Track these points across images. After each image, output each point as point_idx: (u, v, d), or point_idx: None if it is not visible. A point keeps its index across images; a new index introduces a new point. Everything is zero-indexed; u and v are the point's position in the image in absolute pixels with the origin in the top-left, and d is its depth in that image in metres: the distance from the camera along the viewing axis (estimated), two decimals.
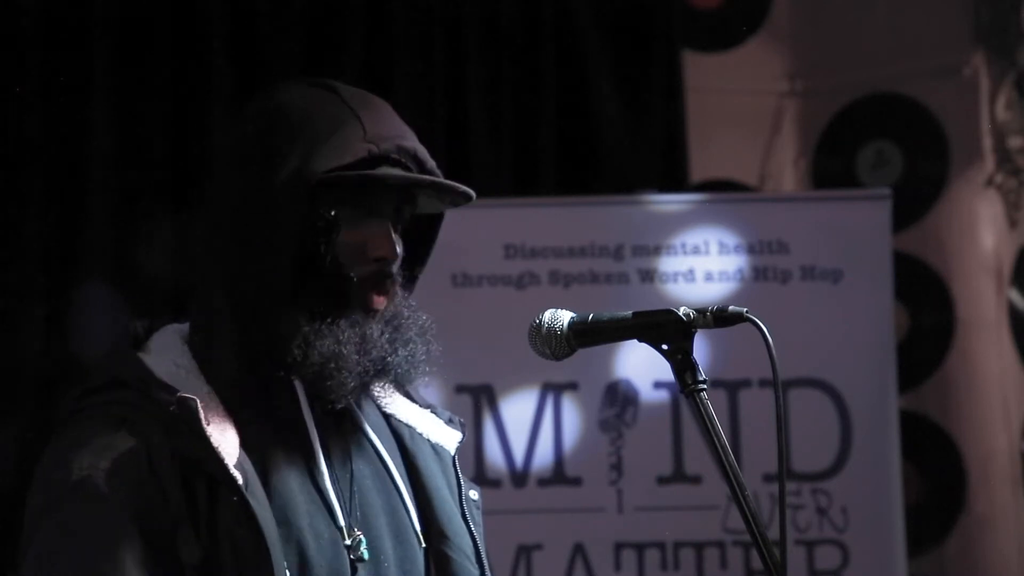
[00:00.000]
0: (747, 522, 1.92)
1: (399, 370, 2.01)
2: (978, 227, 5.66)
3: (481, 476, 4.73)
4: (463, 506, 2.12)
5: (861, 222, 4.92)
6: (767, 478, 4.68)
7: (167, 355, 1.99)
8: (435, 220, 2.12)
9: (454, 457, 2.16)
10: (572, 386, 4.82)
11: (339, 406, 2.01)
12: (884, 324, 4.90)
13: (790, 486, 4.77)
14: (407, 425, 2.13)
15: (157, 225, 4.96)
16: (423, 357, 2.03)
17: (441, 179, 2.03)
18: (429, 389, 2.17)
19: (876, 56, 5.77)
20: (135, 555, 1.86)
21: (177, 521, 1.87)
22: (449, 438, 2.17)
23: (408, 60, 5.24)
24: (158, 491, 1.88)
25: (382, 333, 1.99)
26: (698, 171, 5.68)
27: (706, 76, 5.76)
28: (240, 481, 1.88)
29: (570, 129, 5.45)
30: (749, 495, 1.93)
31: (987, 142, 5.66)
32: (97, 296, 4.85)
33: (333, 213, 1.96)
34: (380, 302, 2.00)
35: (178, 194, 4.99)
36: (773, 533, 1.91)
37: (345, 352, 1.96)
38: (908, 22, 5.72)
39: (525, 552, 4.75)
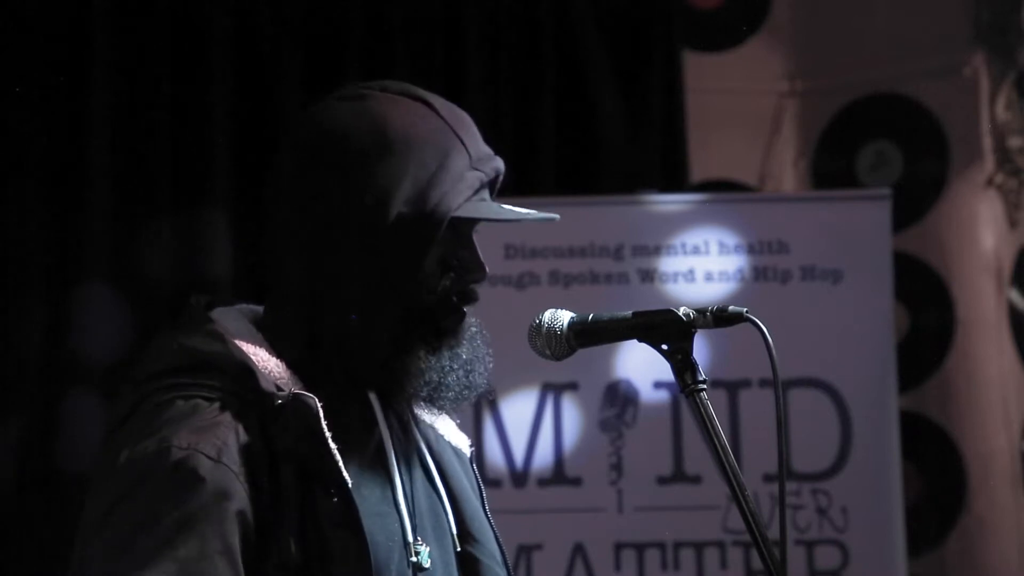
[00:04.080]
0: (747, 522, 1.92)
1: (479, 388, 2.03)
2: (978, 227, 5.66)
3: (481, 476, 4.71)
4: (485, 508, 2.13)
5: (861, 222, 4.92)
6: (767, 478, 4.68)
7: (256, 345, 1.95)
8: None
9: (471, 459, 2.18)
10: (572, 386, 4.82)
11: (406, 414, 2.05)
12: (884, 324, 4.90)
13: (790, 486, 4.77)
14: (431, 427, 2.13)
15: (157, 225, 4.96)
16: (490, 368, 2.05)
17: (550, 215, 2.07)
18: None
19: (876, 56, 5.77)
20: (228, 545, 1.83)
21: (273, 519, 1.85)
22: (463, 441, 2.18)
23: (408, 60, 5.24)
24: (255, 485, 1.85)
25: (468, 354, 2.01)
26: (698, 171, 5.67)
27: (706, 76, 5.76)
28: (351, 483, 1.87)
29: (570, 129, 5.45)
30: (749, 495, 1.93)
31: (987, 142, 5.65)
32: (97, 296, 4.86)
33: (462, 254, 2.00)
34: (464, 322, 2.02)
35: (178, 194, 5.00)
36: (773, 533, 1.91)
37: (448, 381, 1.98)
38: (908, 22, 5.72)
39: (525, 552, 4.75)
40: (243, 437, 1.87)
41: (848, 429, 4.84)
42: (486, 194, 2.02)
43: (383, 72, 5.10)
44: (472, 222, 2.02)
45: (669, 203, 5.06)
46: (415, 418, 2.10)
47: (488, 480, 4.73)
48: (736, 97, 5.86)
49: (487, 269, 2.04)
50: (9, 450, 4.77)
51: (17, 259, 4.85)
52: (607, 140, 5.48)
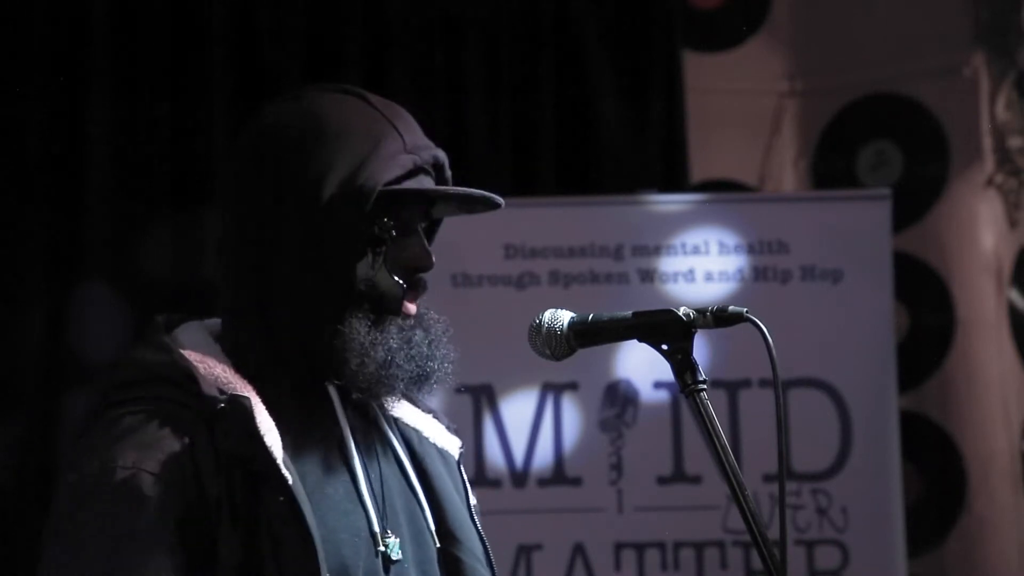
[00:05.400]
0: (747, 522, 1.92)
1: (438, 374, 2.03)
2: (978, 227, 5.66)
3: (481, 476, 4.73)
4: (470, 509, 2.13)
5: (861, 222, 4.92)
6: (767, 478, 4.69)
7: (205, 353, 1.99)
8: (435, 222, 2.14)
9: (459, 462, 2.18)
10: (572, 386, 4.82)
11: (371, 409, 2.05)
12: (884, 324, 4.90)
13: (790, 486, 4.77)
14: (414, 429, 2.14)
15: (157, 225, 4.96)
16: (452, 358, 2.04)
17: (489, 194, 2.06)
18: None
19: (876, 56, 5.77)
20: (174, 561, 1.86)
21: (219, 522, 1.88)
22: (451, 444, 2.18)
23: (408, 61, 5.24)
24: (202, 494, 1.88)
25: (423, 338, 2.01)
26: (698, 171, 5.67)
27: (706, 76, 5.76)
28: (290, 481, 1.89)
29: (570, 129, 5.44)
30: (749, 495, 1.93)
31: (987, 142, 5.65)
32: (97, 296, 4.86)
33: (394, 231, 1.99)
34: (412, 308, 2.02)
35: (178, 194, 5.00)
36: (773, 533, 1.91)
37: (397, 359, 1.98)
38: (908, 22, 5.72)
39: (525, 552, 4.75)
40: (188, 447, 1.90)
41: (848, 429, 4.84)
42: (425, 180, 2.03)
43: (382, 72, 5.10)
44: (415, 212, 2.03)
45: (669, 203, 5.06)
46: (392, 419, 2.11)
47: (488, 480, 4.74)
48: (736, 97, 5.86)
49: (432, 260, 2.04)
50: (9, 450, 4.77)
51: (17, 259, 4.84)
52: (607, 140, 5.48)
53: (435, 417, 2.18)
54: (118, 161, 4.94)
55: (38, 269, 4.86)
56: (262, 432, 1.90)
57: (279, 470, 1.89)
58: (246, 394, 1.92)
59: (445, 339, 2.04)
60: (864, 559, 4.82)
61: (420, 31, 5.29)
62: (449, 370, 2.04)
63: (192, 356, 1.96)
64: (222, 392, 1.92)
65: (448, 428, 2.19)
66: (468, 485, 2.16)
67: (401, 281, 2.00)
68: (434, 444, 2.15)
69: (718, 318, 1.97)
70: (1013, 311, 5.65)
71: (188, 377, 1.93)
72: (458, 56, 5.34)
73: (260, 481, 1.89)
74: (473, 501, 2.15)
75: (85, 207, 4.91)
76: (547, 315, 2.04)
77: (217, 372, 1.96)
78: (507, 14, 5.42)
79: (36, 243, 4.87)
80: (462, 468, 2.18)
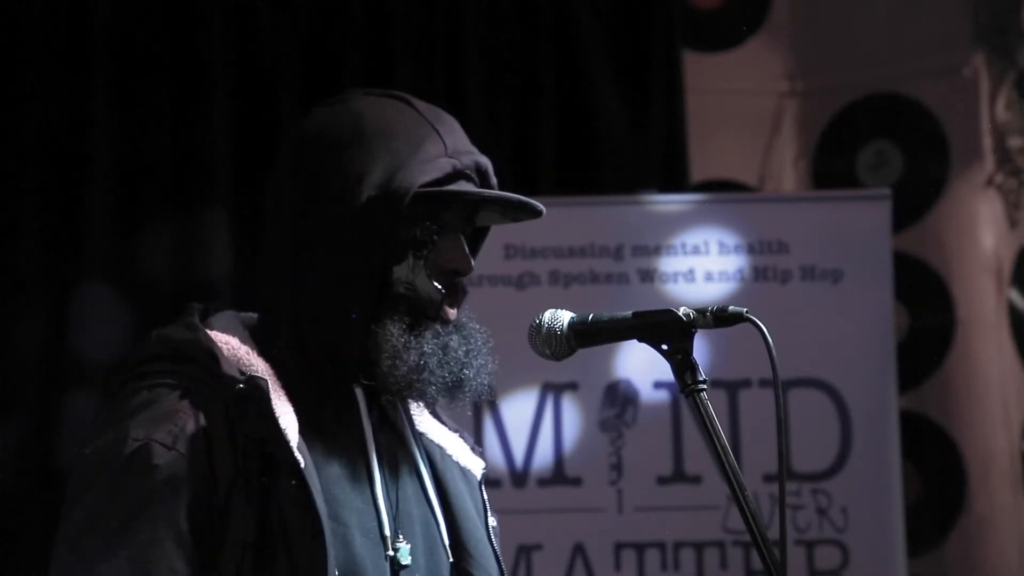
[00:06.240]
0: (747, 522, 1.92)
1: (472, 383, 2.02)
2: (978, 227, 5.66)
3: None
4: (488, 529, 2.13)
5: (861, 222, 4.92)
6: (767, 478, 4.69)
7: (232, 337, 2.00)
8: (480, 231, 2.14)
9: (480, 482, 2.18)
10: (572, 386, 4.82)
11: (398, 421, 2.07)
12: (884, 324, 4.90)
13: (790, 486, 4.77)
14: (438, 445, 2.15)
15: (157, 225, 4.97)
16: (491, 369, 2.04)
17: (528, 200, 2.06)
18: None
19: (876, 56, 5.77)
20: (178, 530, 1.88)
21: (230, 499, 1.89)
22: (474, 464, 2.19)
23: (408, 60, 5.24)
24: (212, 468, 1.90)
25: (460, 345, 2.01)
26: (698, 171, 5.67)
27: (706, 76, 5.76)
28: (302, 465, 1.90)
29: (570, 129, 5.44)
30: (749, 495, 1.93)
31: (987, 142, 5.65)
32: (97, 296, 4.86)
33: (435, 234, 1.99)
34: (452, 314, 2.02)
35: (178, 194, 5.00)
36: (773, 533, 1.91)
37: (431, 364, 1.98)
38: (908, 22, 5.72)
39: (525, 552, 4.75)
40: (203, 423, 1.92)
41: (848, 429, 4.84)
42: (466, 185, 2.03)
43: (383, 73, 5.10)
44: (457, 217, 2.03)
45: (669, 203, 5.06)
46: (418, 434, 2.12)
47: (488, 480, 4.73)
48: (736, 97, 5.86)
49: (471, 264, 2.04)
50: (9, 450, 4.77)
51: (17, 259, 4.85)
52: (607, 140, 5.48)
53: (460, 436, 2.19)
54: (118, 161, 4.94)
55: (38, 269, 4.86)
56: (277, 415, 1.91)
57: (291, 453, 1.90)
58: (265, 377, 1.94)
59: (485, 349, 2.04)
60: (864, 559, 4.82)
61: (420, 31, 5.29)
62: (486, 381, 2.03)
63: (218, 337, 1.98)
64: (242, 373, 1.94)
65: (473, 449, 2.19)
66: (488, 506, 2.17)
67: (440, 286, 2.00)
68: (457, 462, 2.15)
69: (718, 318, 1.98)
70: (1013, 311, 5.65)
71: (210, 356, 1.95)
72: (458, 56, 5.34)
73: (274, 463, 1.90)
74: (493, 523, 2.15)
75: (85, 207, 4.91)
76: (547, 315, 2.04)
77: (240, 355, 1.97)
78: (507, 14, 5.41)
79: (36, 243, 4.87)
80: (483, 488, 2.18)
